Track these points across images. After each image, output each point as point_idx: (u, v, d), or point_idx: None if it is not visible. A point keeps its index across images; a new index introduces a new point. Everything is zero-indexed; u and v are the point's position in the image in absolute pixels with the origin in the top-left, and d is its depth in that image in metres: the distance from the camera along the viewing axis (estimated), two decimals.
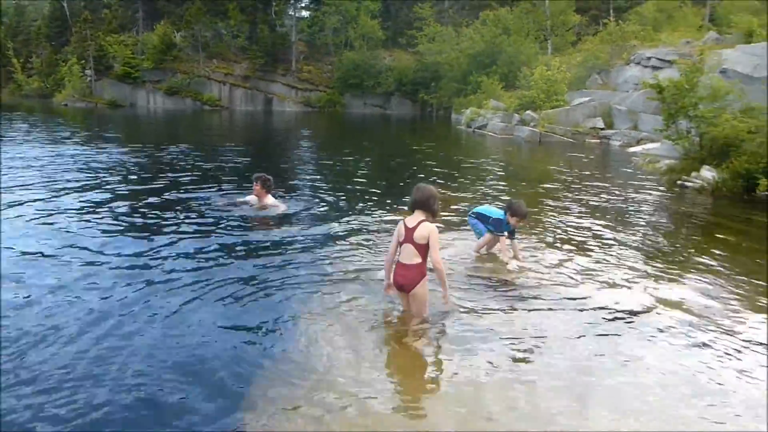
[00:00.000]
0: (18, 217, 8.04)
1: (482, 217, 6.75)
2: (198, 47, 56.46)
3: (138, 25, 61.49)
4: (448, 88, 45.17)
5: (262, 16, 58.09)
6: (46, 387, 3.64)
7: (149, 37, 57.65)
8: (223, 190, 10.69)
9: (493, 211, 6.69)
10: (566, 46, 42.65)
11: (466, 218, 7.31)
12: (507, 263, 6.33)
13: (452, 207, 9.52)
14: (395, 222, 8.14)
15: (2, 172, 11.83)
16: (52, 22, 66.70)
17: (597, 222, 8.77)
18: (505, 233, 6.48)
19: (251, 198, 9.02)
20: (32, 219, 7.94)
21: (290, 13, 61.91)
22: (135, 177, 12.59)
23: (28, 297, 5.06)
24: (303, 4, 64.34)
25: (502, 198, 10.71)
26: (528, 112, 27.40)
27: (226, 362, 4.07)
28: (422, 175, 13.50)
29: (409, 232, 4.60)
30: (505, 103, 30.92)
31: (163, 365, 4.01)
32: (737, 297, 5.58)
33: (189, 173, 13.11)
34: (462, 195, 10.96)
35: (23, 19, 72.60)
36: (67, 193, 10.00)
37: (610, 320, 4.95)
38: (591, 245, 7.34)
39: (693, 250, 7.39)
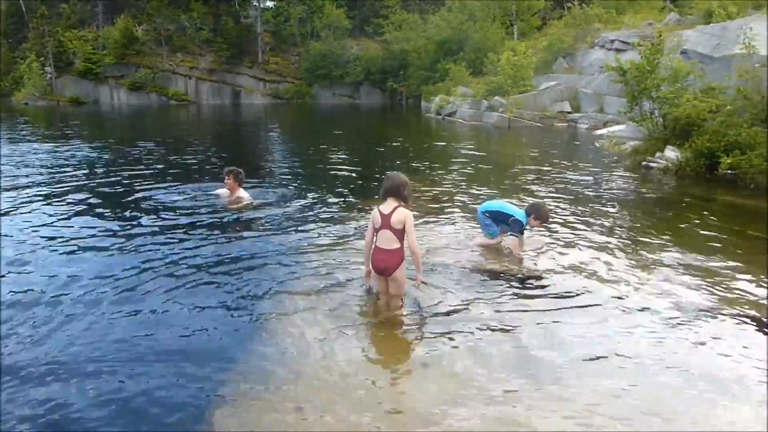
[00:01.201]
0: None
1: (498, 216, 6.43)
2: (161, 41, 55.47)
3: (98, 20, 60.08)
4: (417, 76, 45.22)
5: (225, 7, 57.35)
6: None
7: (110, 32, 56.43)
8: (194, 184, 10.59)
9: (511, 209, 6.42)
10: (532, 30, 42.95)
11: (462, 212, 7.32)
12: (520, 261, 6.17)
13: (425, 195, 9.57)
14: (366, 210, 8.23)
15: None
16: (8, 18, 64.70)
17: (564, 206, 8.91)
18: (520, 237, 6.29)
19: (223, 191, 8.99)
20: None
21: (254, 3, 61.14)
22: (101, 173, 12.33)
23: None
24: None
25: (470, 184, 10.83)
26: (496, 97, 27.60)
27: (199, 356, 4.07)
28: (395, 163, 13.54)
29: (386, 218, 4.72)
30: (474, 89, 31.09)
31: (128, 361, 4.00)
32: (706, 277, 5.75)
33: (157, 168, 12.95)
34: (434, 182, 11.01)
35: None
36: (31, 192, 9.79)
37: (570, 304, 5.07)
38: (558, 229, 7.44)
39: (660, 230, 7.55)
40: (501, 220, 6.42)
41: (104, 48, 56.21)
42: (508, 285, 5.44)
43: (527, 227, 6.34)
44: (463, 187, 10.60)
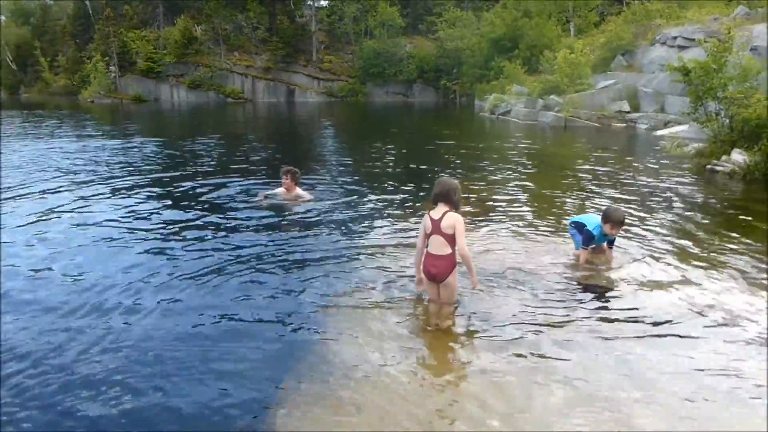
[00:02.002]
0: (49, 212, 8.28)
1: (579, 227, 6.23)
2: (219, 40, 56.90)
3: (159, 20, 62.08)
4: (470, 74, 44.86)
5: (281, 7, 58.25)
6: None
7: (170, 32, 58.24)
8: (251, 182, 10.86)
9: (590, 219, 6.18)
10: (589, 27, 41.89)
11: (503, 211, 7.25)
12: (583, 273, 5.93)
13: (473, 198, 9.50)
14: (419, 212, 8.25)
15: (34, 165, 12.19)
16: (76, 20, 67.71)
17: (624, 210, 8.65)
18: (590, 247, 6.06)
19: (280, 190, 9.17)
20: (58, 207, 8.17)
21: (309, 3, 61.95)
22: (160, 169, 12.84)
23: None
24: None
25: (527, 186, 10.69)
26: (552, 96, 27.09)
27: (258, 358, 4.17)
28: (448, 163, 13.50)
29: (436, 223, 4.74)
30: (529, 87, 30.59)
31: (187, 359, 4.13)
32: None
33: (216, 166, 13.35)
34: (487, 184, 10.92)
35: (49, 18, 73.75)
36: (93, 186, 10.24)
37: (644, 322, 4.94)
38: (620, 241, 7.17)
39: (726, 239, 7.26)
40: (581, 231, 6.17)
41: (165, 48, 58.08)
42: (565, 296, 5.31)
43: (607, 236, 6.07)
44: (518, 189, 10.47)
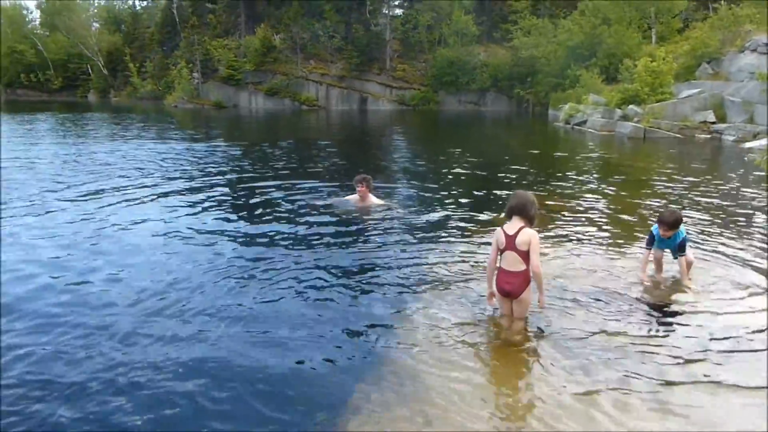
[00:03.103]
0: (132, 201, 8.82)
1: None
2: (296, 49, 58.39)
3: (241, 29, 64.44)
4: (545, 82, 44.11)
5: (356, 16, 59.16)
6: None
7: (251, 41, 60.28)
8: (323, 189, 11.16)
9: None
10: (672, 34, 40.30)
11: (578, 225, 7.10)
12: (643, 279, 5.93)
13: (547, 211, 9.39)
14: (491, 224, 8.24)
15: (123, 163, 13.06)
16: (164, 28, 71.23)
17: (710, 229, 8.31)
18: (651, 249, 5.98)
19: (354, 197, 9.35)
20: (138, 200, 8.69)
21: (384, 11, 62.65)
22: (236, 172, 13.46)
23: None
24: (396, 2, 65.00)
25: (604, 199, 10.45)
26: (631, 106, 26.27)
27: (326, 364, 4.30)
28: (522, 174, 13.37)
29: (510, 239, 4.69)
30: (606, 97, 29.78)
31: (257, 364, 4.29)
32: None
33: (291, 170, 13.78)
34: (562, 197, 10.76)
35: (138, 26, 77.96)
36: (174, 189, 10.82)
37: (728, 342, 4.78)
38: (699, 256, 6.93)
39: None
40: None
41: (245, 56, 60.20)
42: (643, 317, 5.18)
43: (665, 240, 5.87)
44: (594, 202, 10.26)
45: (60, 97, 74.44)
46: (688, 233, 6.27)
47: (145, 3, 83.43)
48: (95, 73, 76.33)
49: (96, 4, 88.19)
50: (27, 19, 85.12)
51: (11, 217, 8.69)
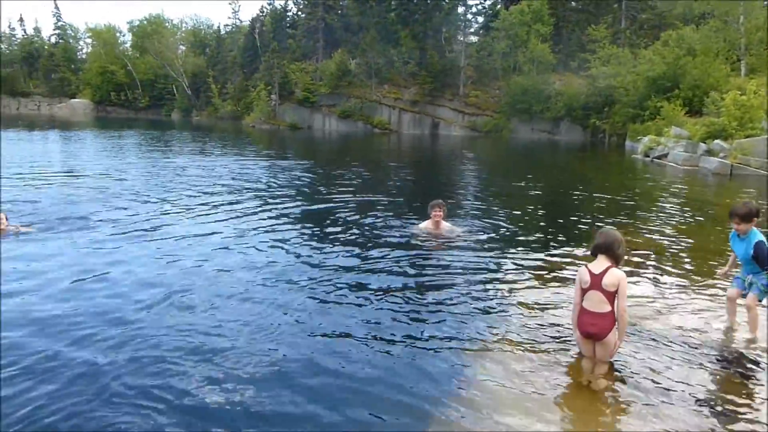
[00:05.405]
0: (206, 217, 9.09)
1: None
2: (371, 73, 59.49)
3: (318, 54, 66.37)
4: (623, 113, 42.80)
5: (432, 42, 59.77)
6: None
7: (327, 65, 62.00)
8: (395, 213, 11.17)
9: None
10: (764, 66, 38.41)
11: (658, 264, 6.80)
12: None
13: (632, 249, 8.99)
14: (565, 258, 7.98)
15: (206, 179, 13.57)
16: (245, 52, 74.40)
17: None
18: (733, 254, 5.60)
19: (427, 224, 9.27)
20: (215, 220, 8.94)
21: (459, 38, 62.97)
22: (308, 192, 13.75)
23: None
24: (472, 30, 65.29)
25: (686, 238, 9.93)
26: (717, 141, 25.04)
27: (401, 390, 4.25)
28: (597, 209, 12.94)
29: (596, 278, 4.51)
30: (689, 130, 28.54)
31: (336, 382, 4.32)
32: None
33: (364, 192, 13.98)
34: (641, 235, 10.30)
35: (222, 49, 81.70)
36: (249, 205, 11.10)
37: None
38: None
39: None
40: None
41: (321, 79, 61.89)
42: (740, 366, 4.85)
43: (740, 238, 5.44)
44: (676, 240, 9.76)
45: (146, 115, 78.89)
46: None
47: (229, 28, 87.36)
48: (179, 93, 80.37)
49: (183, 28, 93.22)
50: (119, 41, 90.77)
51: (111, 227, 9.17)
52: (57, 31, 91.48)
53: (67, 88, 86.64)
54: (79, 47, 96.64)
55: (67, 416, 3.78)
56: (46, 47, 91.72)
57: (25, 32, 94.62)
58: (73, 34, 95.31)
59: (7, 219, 8.57)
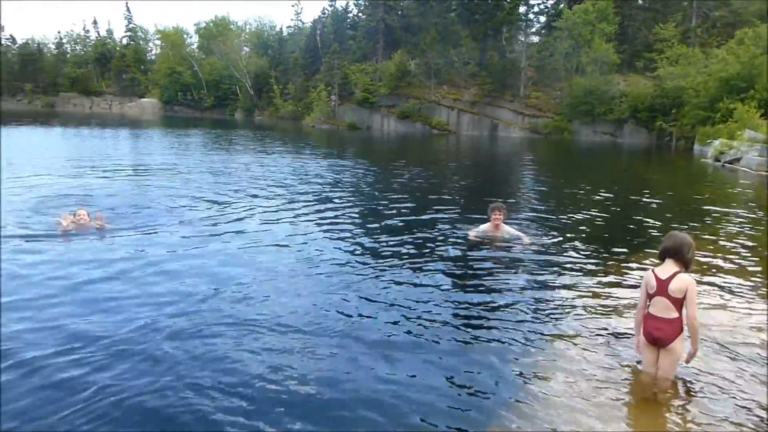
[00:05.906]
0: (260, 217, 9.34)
1: None
2: (430, 74, 59.46)
3: (378, 55, 66.84)
4: (692, 115, 41.11)
5: (492, 42, 59.17)
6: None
7: (387, 66, 62.35)
8: (455, 214, 11.17)
9: None
10: None
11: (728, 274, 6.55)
12: None
13: (698, 257, 8.70)
14: (627, 262, 7.79)
15: (268, 177, 13.95)
16: (307, 53, 75.81)
17: None
18: None
19: (487, 226, 9.20)
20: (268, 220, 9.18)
21: (520, 39, 62.10)
22: (367, 192, 13.88)
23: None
24: (534, 30, 64.26)
25: (759, 248, 9.51)
26: None
27: (452, 399, 4.25)
28: (662, 219, 12.56)
29: (662, 283, 4.38)
30: (765, 133, 27.25)
31: (388, 389, 4.33)
32: None
33: (422, 194, 14.03)
34: (710, 242, 9.94)
35: (284, 50, 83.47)
36: (312, 202, 11.34)
37: None
38: None
39: None
40: None
41: (380, 80, 62.32)
42: None
43: None
44: (749, 250, 9.35)
45: (210, 115, 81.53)
46: None
47: (291, 29, 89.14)
48: (242, 93, 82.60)
49: (247, 30, 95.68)
50: (186, 43, 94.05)
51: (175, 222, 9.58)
52: (128, 33, 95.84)
53: (137, 88, 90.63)
54: (149, 48, 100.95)
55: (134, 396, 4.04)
56: (117, 48, 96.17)
57: (98, 34, 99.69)
58: (143, 35, 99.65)
59: (88, 215, 9.03)
